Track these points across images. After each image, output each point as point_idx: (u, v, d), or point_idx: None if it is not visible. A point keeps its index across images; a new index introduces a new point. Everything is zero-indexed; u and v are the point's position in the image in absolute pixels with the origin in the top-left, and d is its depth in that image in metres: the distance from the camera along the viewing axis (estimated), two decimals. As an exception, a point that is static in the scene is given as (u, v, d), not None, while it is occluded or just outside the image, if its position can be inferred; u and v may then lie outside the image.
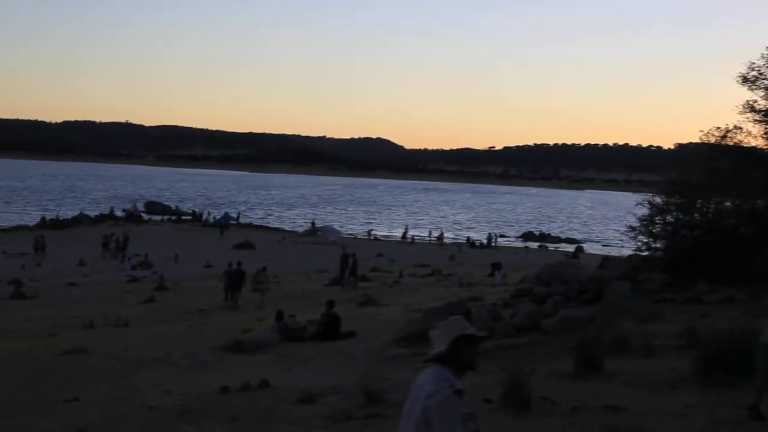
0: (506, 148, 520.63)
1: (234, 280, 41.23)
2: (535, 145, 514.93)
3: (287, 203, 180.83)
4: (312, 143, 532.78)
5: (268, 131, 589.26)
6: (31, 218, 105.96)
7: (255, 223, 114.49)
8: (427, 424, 6.55)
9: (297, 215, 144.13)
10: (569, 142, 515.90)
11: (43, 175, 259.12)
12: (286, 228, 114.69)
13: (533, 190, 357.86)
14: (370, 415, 14.14)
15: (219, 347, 23.62)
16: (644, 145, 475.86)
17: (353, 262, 48.32)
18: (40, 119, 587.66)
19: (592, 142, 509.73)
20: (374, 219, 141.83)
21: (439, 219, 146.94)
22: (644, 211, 29.09)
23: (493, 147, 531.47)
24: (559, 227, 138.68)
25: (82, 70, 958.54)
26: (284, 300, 41.04)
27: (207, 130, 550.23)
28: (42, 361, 23.34)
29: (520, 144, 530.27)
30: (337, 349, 22.74)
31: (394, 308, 33.64)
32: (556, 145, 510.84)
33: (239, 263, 42.64)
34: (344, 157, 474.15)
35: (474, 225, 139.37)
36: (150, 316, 36.92)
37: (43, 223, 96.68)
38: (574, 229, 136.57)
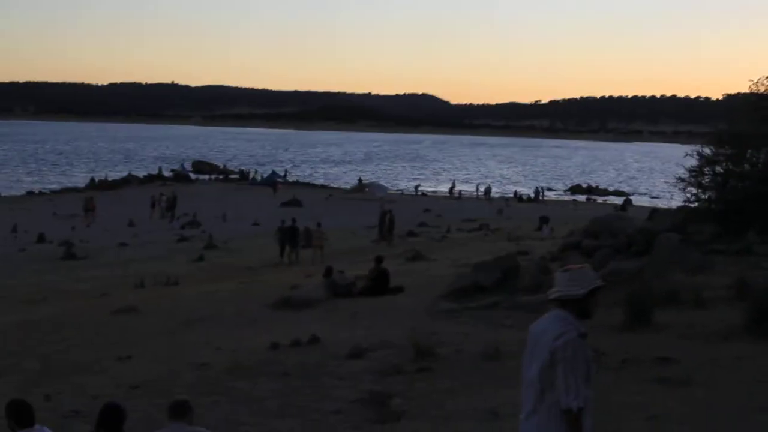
0: (552, 102, 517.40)
1: (290, 236, 41.87)
2: (582, 98, 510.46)
3: (333, 160, 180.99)
4: (358, 100, 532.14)
5: (313, 89, 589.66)
6: (80, 180, 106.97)
7: (302, 181, 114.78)
8: (553, 364, 6.63)
9: (343, 172, 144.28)
10: (616, 95, 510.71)
11: (89, 137, 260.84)
12: (333, 185, 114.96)
13: (580, 144, 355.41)
14: (420, 369, 14.20)
15: (268, 304, 23.73)
16: (692, 96, 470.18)
17: (390, 218, 48.39)
18: (86, 81, 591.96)
19: (640, 94, 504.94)
20: (421, 175, 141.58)
21: (486, 174, 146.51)
22: (693, 162, 28.72)
23: (540, 101, 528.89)
24: (606, 180, 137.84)
25: (127, 32, 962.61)
26: (332, 256, 41.21)
27: (252, 89, 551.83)
28: (94, 320, 23.62)
29: (567, 97, 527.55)
30: (385, 305, 22.77)
31: (443, 263, 33.64)
32: (602, 97, 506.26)
33: (294, 220, 43.42)
34: (390, 114, 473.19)
35: (521, 179, 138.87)
36: (199, 274, 37.21)
37: (93, 185, 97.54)
38: (622, 182, 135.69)
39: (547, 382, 6.65)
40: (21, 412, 8.50)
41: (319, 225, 44.40)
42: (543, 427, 6.68)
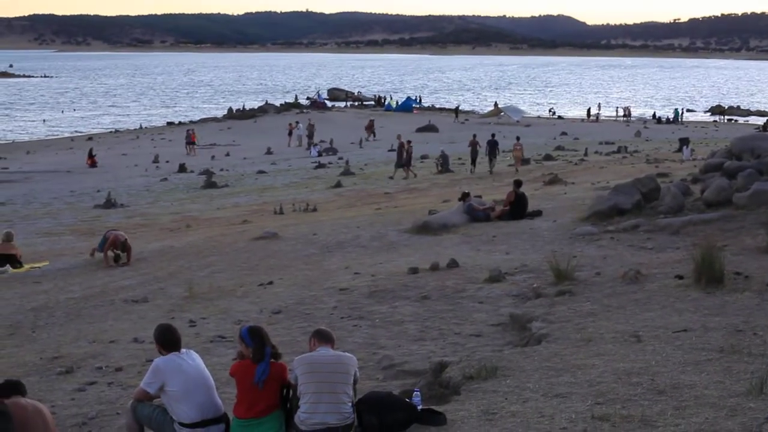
0: (692, 20, 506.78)
1: (490, 149, 46.61)
2: (723, 15, 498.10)
3: (467, 86, 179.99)
4: (492, 23, 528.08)
5: (447, 13, 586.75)
6: (218, 110, 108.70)
7: (437, 106, 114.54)
8: None
9: (478, 97, 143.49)
10: (759, 11, 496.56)
11: (225, 66, 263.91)
12: (468, 109, 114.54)
13: (721, 63, 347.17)
14: (560, 293, 14.07)
15: (406, 229, 23.80)
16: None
17: (408, 150, 46.86)
18: (221, 12, 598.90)
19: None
20: (558, 99, 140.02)
21: (623, 96, 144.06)
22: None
23: (678, 19, 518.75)
24: (749, 100, 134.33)
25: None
26: (469, 181, 41.13)
27: (386, 14, 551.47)
28: (236, 246, 23.99)
29: (707, 15, 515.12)
30: (524, 229, 22.61)
31: (581, 186, 33.25)
32: (744, 14, 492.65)
33: (493, 135, 48.43)
34: (525, 36, 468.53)
35: (660, 100, 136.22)
36: (337, 200, 37.52)
37: (230, 114, 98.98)
38: (765, 102, 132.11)
39: None
40: (168, 336, 8.74)
41: (518, 139, 49.48)
42: None
